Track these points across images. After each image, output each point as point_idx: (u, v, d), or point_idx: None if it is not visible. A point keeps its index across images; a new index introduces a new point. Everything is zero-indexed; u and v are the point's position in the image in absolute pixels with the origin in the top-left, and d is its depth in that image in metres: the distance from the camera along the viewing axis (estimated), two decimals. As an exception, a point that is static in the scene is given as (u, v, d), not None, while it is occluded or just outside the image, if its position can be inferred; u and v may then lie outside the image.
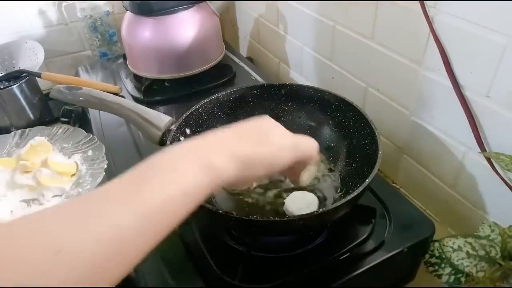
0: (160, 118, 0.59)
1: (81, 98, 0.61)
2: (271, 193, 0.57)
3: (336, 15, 0.72)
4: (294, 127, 0.66)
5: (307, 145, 0.43)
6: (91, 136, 0.80)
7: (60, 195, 0.70)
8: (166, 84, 0.91)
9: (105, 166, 0.70)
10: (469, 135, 0.53)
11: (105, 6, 1.07)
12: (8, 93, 0.94)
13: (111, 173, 0.66)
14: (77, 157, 0.77)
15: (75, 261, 0.25)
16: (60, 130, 0.84)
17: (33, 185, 0.69)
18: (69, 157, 0.77)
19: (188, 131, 0.60)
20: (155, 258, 0.52)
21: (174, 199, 0.30)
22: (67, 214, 0.28)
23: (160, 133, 0.58)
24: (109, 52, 1.12)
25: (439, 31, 0.53)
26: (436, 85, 0.57)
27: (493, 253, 0.46)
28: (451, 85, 0.53)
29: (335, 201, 0.56)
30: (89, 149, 0.77)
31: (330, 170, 0.61)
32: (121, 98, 0.62)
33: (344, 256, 0.51)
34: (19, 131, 0.85)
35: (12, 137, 0.83)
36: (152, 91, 0.89)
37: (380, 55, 0.65)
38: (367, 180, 0.46)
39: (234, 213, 0.53)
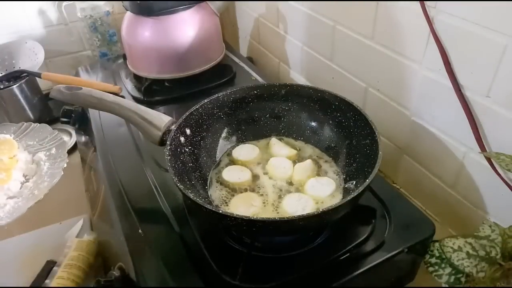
0: (160, 118, 0.59)
1: (81, 98, 0.61)
2: (271, 194, 0.57)
3: (336, 15, 0.72)
4: (294, 127, 0.66)
5: None
6: (56, 133, 0.80)
7: (16, 197, 0.70)
8: (166, 84, 0.91)
9: (65, 165, 0.70)
10: (469, 135, 0.53)
11: (105, 6, 1.07)
12: (8, 93, 0.94)
13: (111, 174, 0.66)
14: (41, 155, 0.77)
15: None
16: (27, 126, 0.84)
17: None
18: (33, 155, 0.77)
19: (188, 131, 0.60)
20: (155, 258, 0.52)
21: None
22: None
23: (160, 133, 0.58)
24: (109, 52, 1.12)
25: (439, 31, 0.53)
26: (436, 85, 0.57)
27: (493, 253, 0.46)
28: (451, 85, 0.53)
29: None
30: (53, 146, 0.77)
31: (330, 169, 0.61)
32: (121, 98, 0.62)
33: (344, 256, 0.51)
34: None
35: None
36: (152, 91, 0.89)
37: (380, 55, 0.65)
38: (367, 180, 0.46)
39: (234, 213, 0.53)
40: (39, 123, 0.94)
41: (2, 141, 0.77)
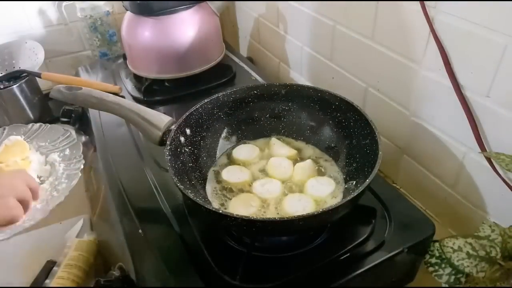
0: (160, 118, 0.59)
1: (81, 98, 0.61)
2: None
3: (336, 15, 0.72)
4: (294, 127, 0.66)
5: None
6: (69, 133, 0.79)
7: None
8: (166, 84, 0.91)
9: (81, 167, 0.70)
10: (469, 135, 0.53)
11: (105, 6, 1.07)
12: (8, 93, 0.94)
13: (111, 174, 0.66)
14: (54, 156, 0.75)
15: None
16: (37, 127, 0.83)
17: None
18: (46, 156, 0.76)
19: (188, 131, 0.60)
20: (155, 258, 0.52)
21: None
22: None
23: (160, 133, 0.58)
24: (109, 52, 1.12)
25: (439, 31, 0.53)
26: (436, 85, 0.57)
27: (493, 254, 0.46)
28: (451, 85, 0.53)
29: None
30: (66, 147, 0.76)
31: (330, 169, 0.61)
32: (121, 98, 0.62)
33: (344, 256, 0.51)
34: None
35: None
36: (152, 91, 0.89)
37: (380, 55, 0.65)
38: (367, 180, 0.46)
39: (234, 213, 0.53)
40: (39, 123, 0.94)
41: (14, 143, 0.76)
